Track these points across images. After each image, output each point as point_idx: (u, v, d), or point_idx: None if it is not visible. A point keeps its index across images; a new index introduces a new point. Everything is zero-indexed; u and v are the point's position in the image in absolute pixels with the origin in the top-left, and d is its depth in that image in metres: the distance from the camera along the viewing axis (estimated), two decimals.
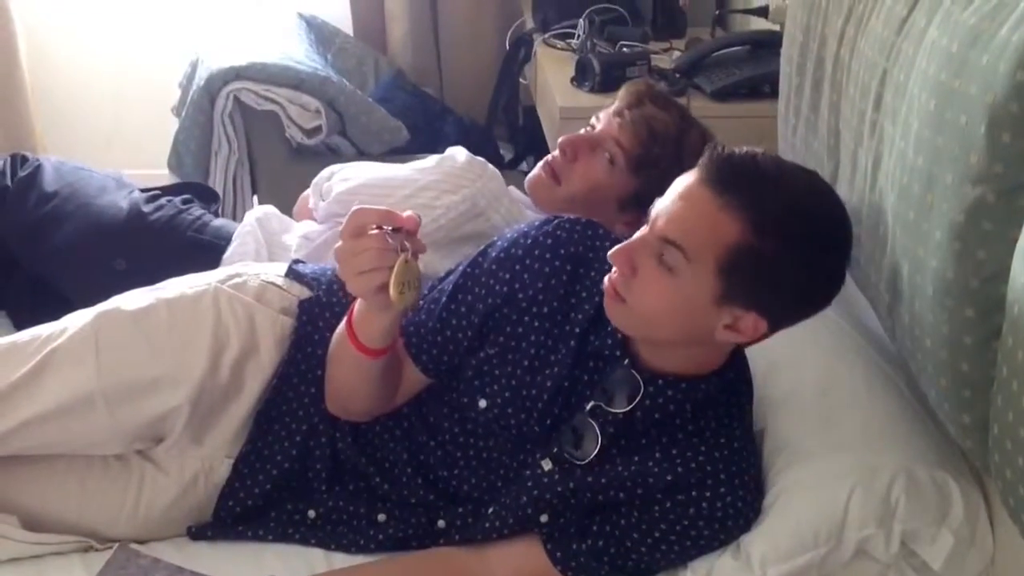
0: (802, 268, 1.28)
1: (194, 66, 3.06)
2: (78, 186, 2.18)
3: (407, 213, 1.32)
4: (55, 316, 1.60)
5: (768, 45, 2.49)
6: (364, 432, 1.56)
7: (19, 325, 1.97)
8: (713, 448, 1.41)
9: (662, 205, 1.33)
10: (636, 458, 1.41)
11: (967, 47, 1.17)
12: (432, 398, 1.55)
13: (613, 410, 1.41)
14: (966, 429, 1.23)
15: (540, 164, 1.93)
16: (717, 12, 3.04)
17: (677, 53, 2.81)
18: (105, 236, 2.10)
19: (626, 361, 1.42)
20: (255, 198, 2.95)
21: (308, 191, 2.09)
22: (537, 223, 1.52)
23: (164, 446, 1.56)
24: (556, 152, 1.91)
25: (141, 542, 1.53)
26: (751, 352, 1.47)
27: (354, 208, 1.32)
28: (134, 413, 1.52)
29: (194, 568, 1.47)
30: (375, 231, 1.31)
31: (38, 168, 2.19)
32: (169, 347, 1.54)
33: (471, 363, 1.49)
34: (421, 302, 1.53)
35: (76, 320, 1.56)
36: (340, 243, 1.33)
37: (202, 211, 2.22)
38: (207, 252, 2.05)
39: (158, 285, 1.63)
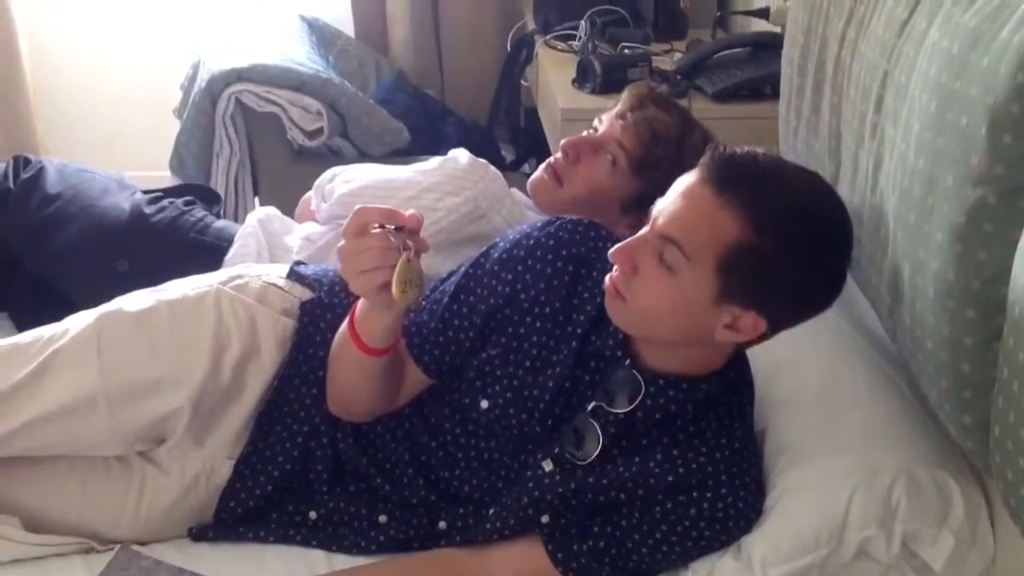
0: (802, 268, 1.28)
1: (195, 68, 3.06)
2: (81, 188, 2.18)
3: (409, 212, 1.33)
4: (57, 317, 1.60)
5: (769, 47, 2.49)
6: (365, 433, 1.57)
7: (21, 326, 1.97)
8: (714, 449, 1.41)
9: (663, 204, 1.33)
10: (637, 459, 1.42)
11: (968, 49, 1.17)
12: (434, 399, 1.55)
13: (614, 410, 1.41)
14: (967, 430, 1.23)
15: (542, 166, 1.93)
16: (718, 14, 3.04)
17: (678, 55, 2.81)
18: (107, 238, 2.11)
19: (627, 361, 1.42)
20: (256, 200, 2.95)
21: (310, 193, 2.09)
22: (539, 224, 1.53)
23: (165, 447, 1.56)
24: (558, 154, 1.91)
25: (142, 543, 1.53)
26: (752, 353, 1.47)
27: (357, 207, 1.33)
28: (136, 414, 1.52)
29: (195, 569, 1.47)
30: (378, 230, 1.31)
31: (41, 170, 2.20)
32: (171, 348, 1.54)
33: (473, 364, 1.50)
34: (423, 302, 1.53)
35: (78, 321, 1.56)
36: (343, 242, 1.33)
37: (204, 213, 2.22)
38: (209, 254, 2.05)
39: (160, 286, 1.63)
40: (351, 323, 1.44)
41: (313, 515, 1.54)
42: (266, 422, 1.58)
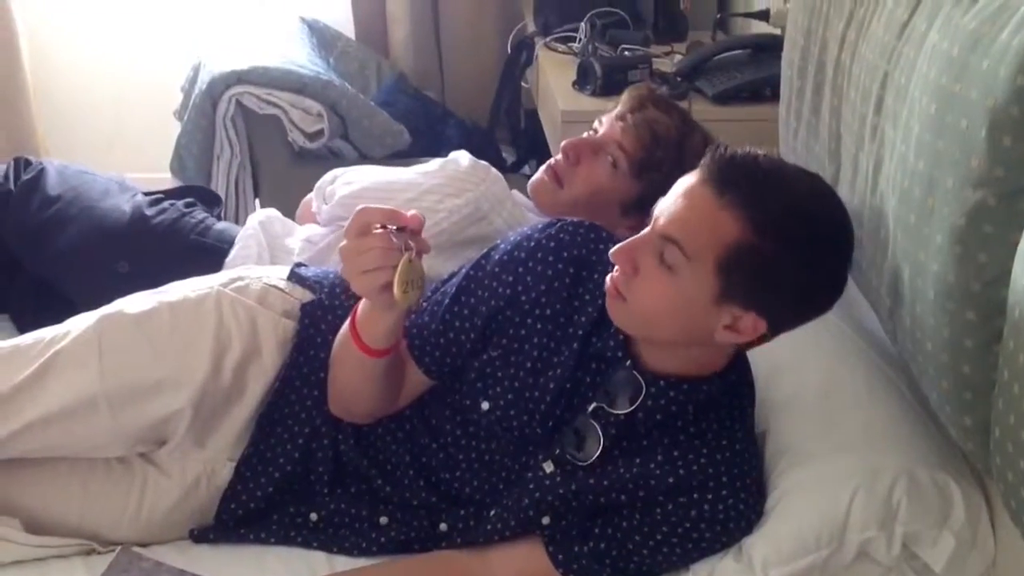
0: (802, 269, 1.28)
1: (196, 70, 3.06)
2: (81, 190, 2.18)
3: (411, 212, 1.33)
4: (58, 319, 1.61)
5: (769, 49, 2.49)
6: (366, 434, 1.57)
7: (22, 328, 1.97)
8: (715, 450, 1.41)
9: (663, 204, 1.34)
10: (638, 460, 1.42)
11: (968, 51, 1.17)
12: (434, 400, 1.55)
13: (615, 411, 1.41)
14: (967, 432, 1.23)
15: (543, 168, 1.93)
16: (718, 16, 3.04)
17: (678, 57, 2.81)
18: (108, 239, 2.11)
19: (628, 362, 1.42)
20: (257, 202, 2.95)
21: (311, 195, 2.09)
22: (540, 226, 1.53)
23: (166, 449, 1.56)
24: (559, 156, 1.91)
25: (143, 545, 1.53)
26: (753, 355, 1.47)
27: (359, 207, 1.33)
28: (137, 416, 1.52)
29: (196, 571, 1.47)
30: (379, 230, 1.31)
31: (41, 172, 2.20)
32: (171, 350, 1.54)
33: (474, 365, 1.50)
34: (424, 304, 1.53)
35: (79, 323, 1.56)
36: (345, 242, 1.33)
37: (205, 215, 2.22)
38: (210, 256, 2.05)
39: (161, 288, 1.64)
40: (352, 324, 1.44)
41: (314, 516, 1.54)
42: (267, 424, 1.58)
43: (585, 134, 1.92)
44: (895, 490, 1.37)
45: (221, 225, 2.19)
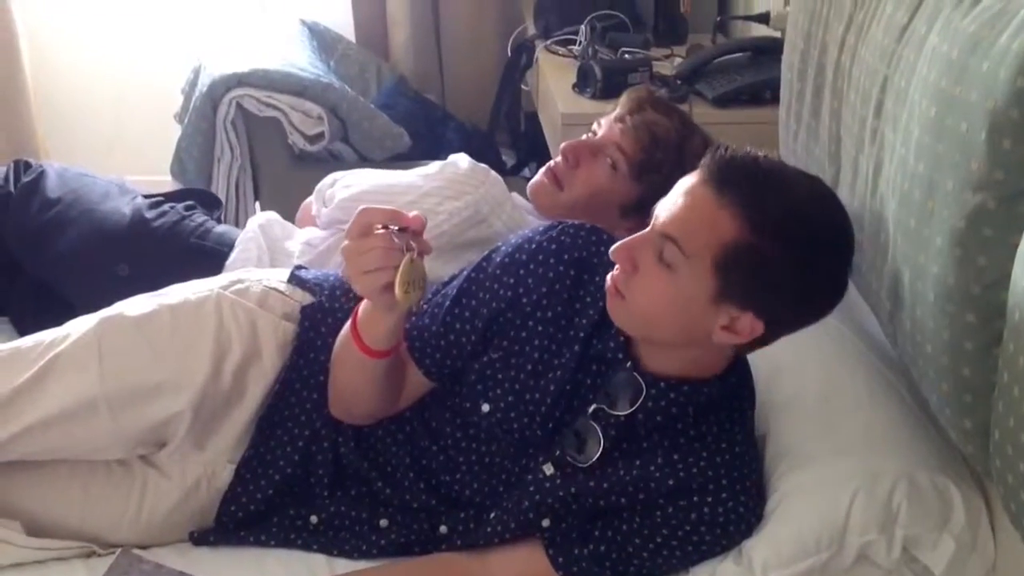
0: (800, 270, 1.28)
1: (196, 72, 3.06)
2: (81, 192, 2.18)
3: (413, 213, 1.33)
4: (58, 322, 1.61)
5: (769, 51, 2.49)
6: (366, 437, 1.57)
7: (22, 331, 1.97)
8: (715, 453, 1.41)
9: (664, 203, 1.34)
10: (638, 462, 1.42)
11: (967, 54, 1.17)
12: (435, 402, 1.56)
13: (615, 412, 1.41)
14: (967, 434, 1.23)
15: (542, 170, 1.93)
16: (718, 18, 3.04)
17: (678, 59, 2.82)
18: (108, 242, 2.11)
19: (628, 364, 1.42)
20: (257, 204, 2.95)
21: (311, 198, 2.09)
22: (541, 228, 1.53)
23: (166, 451, 1.56)
24: (558, 158, 1.91)
25: (143, 547, 1.53)
26: (753, 357, 1.47)
27: (360, 207, 1.33)
28: (137, 418, 1.52)
29: (196, 573, 1.47)
30: (381, 230, 1.31)
31: (41, 174, 2.20)
32: (172, 352, 1.54)
33: (474, 367, 1.50)
34: (425, 306, 1.53)
35: (79, 326, 1.56)
36: (346, 242, 1.33)
37: (205, 217, 2.22)
38: (210, 258, 2.05)
39: (161, 291, 1.64)
40: (353, 325, 1.44)
41: (314, 519, 1.54)
42: (267, 426, 1.58)
43: (584, 136, 1.92)
44: (895, 493, 1.37)
45: (221, 228, 2.19)
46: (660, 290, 1.32)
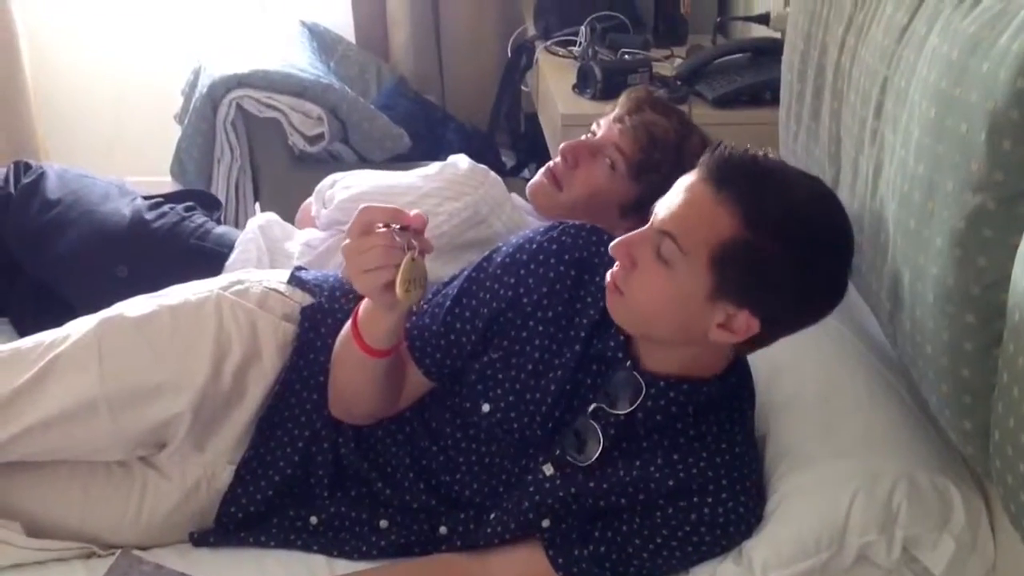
0: (796, 268, 1.28)
1: (197, 73, 3.07)
2: (81, 193, 2.19)
3: (415, 212, 1.33)
4: (59, 323, 1.61)
5: (769, 52, 2.49)
6: (366, 437, 1.57)
7: (22, 332, 1.97)
8: (715, 453, 1.41)
9: (663, 201, 1.35)
10: (638, 463, 1.42)
11: (967, 55, 1.17)
12: (435, 403, 1.56)
13: (614, 411, 1.41)
14: (967, 435, 1.23)
15: (541, 170, 1.93)
16: (718, 19, 3.04)
17: (678, 60, 2.82)
18: (108, 243, 2.11)
19: (628, 363, 1.42)
20: (257, 205, 2.95)
21: (310, 199, 2.09)
22: (542, 229, 1.53)
23: (166, 452, 1.56)
24: (557, 158, 1.92)
25: (144, 548, 1.53)
26: (753, 358, 1.47)
27: (362, 206, 1.33)
28: (137, 419, 1.52)
29: (196, 574, 1.47)
30: (382, 229, 1.32)
31: (41, 175, 2.20)
32: (172, 353, 1.54)
33: (474, 367, 1.50)
34: (425, 306, 1.54)
35: (79, 326, 1.56)
36: (347, 240, 1.33)
37: (204, 218, 2.22)
38: (209, 259, 2.05)
39: (161, 292, 1.64)
40: (354, 324, 1.44)
41: (314, 520, 1.54)
42: (267, 427, 1.58)
43: (583, 137, 1.92)
44: (895, 494, 1.37)
45: (221, 229, 2.20)
46: (657, 286, 1.32)
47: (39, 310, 2.06)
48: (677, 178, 1.37)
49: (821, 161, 1.74)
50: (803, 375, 1.60)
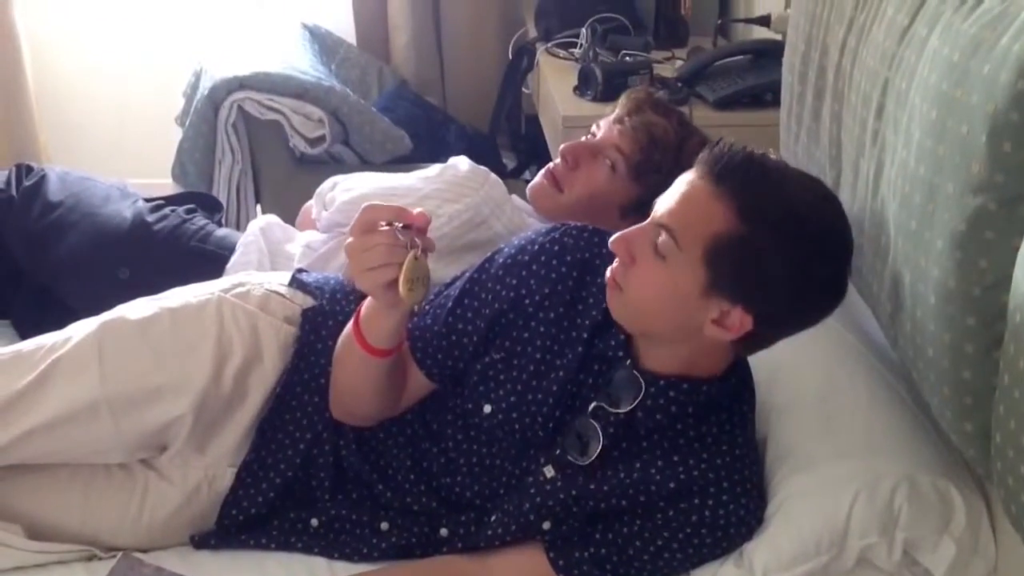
0: (790, 265, 1.28)
1: (198, 76, 3.07)
2: (82, 196, 2.19)
3: (417, 211, 1.33)
4: (60, 325, 1.61)
5: (770, 54, 2.49)
6: (367, 440, 1.57)
7: (24, 334, 1.97)
8: (715, 455, 1.41)
9: (663, 197, 1.36)
10: (638, 465, 1.42)
11: (968, 57, 1.17)
12: (436, 404, 1.56)
13: (614, 410, 1.41)
14: (968, 437, 1.23)
15: (542, 172, 1.94)
16: (719, 21, 3.04)
17: (679, 62, 2.82)
18: (109, 246, 2.11)
19: (628, 362, 1.42)
20: (258, 207, 2.96)
21: (311, 201, 2.09)
22: (544, 230, 1.53)
23: (167, 455, 1.56)
24: (557, 160, 1.92)
25: (144, 551, 1.53)
26: (753, 360, 1.47)
27: (365, 205, 1.33)
28: (138, 422, 1.52)
29: None
30: (385, 227, 1.32)
31: (43, 178, 2.20)
32: (173, 356, 1.54)
33: (476, 368, 1.50)
34: (427, 307, 1.54)
35: (80, 329, 1.56)
36: (350, 239, 1.33)
37: (206, 221, 2.22)
38: (210, 262, 2.05)
39: (162, 294, 1.64)
40: (356, 323, 1.44)
41: (315, 522, 1.54)
42: (268, 429, 1.58)
43: (583, 138, 1.93)
44: (896, 496, 1.37)
45: (222, 231, 2.20)
46: (653, 281, 1.32)
47: (40, 312, 2.06)
48: (677, 177, 1.37)
49: (822, 163, 1.74)
50: (804, 377, 1.60)
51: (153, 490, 1.56)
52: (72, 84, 3.72)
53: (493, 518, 1.47)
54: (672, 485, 1.40)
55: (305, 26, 3.39)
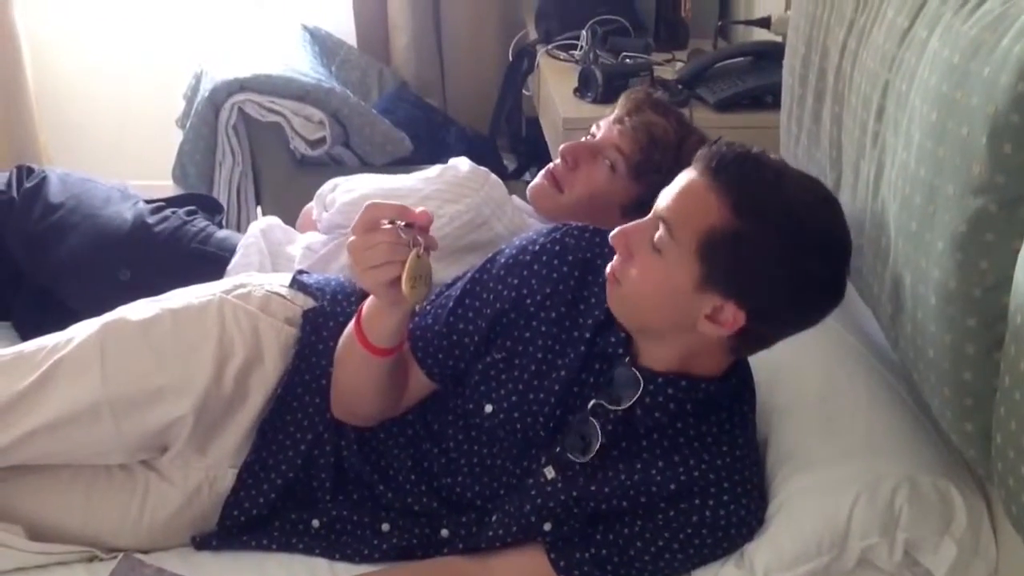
0: (783, 262, 1.29)
1: (198, 78, 3.07)
2: (83, 197, 2.19)
3: (420, 209, 1.33)
4: (60, 327, 1.61)
5: (770, 56, 2.49)
6: (368, 440, 1.57)
7: (25, 336, 1.97)
8: (716, 456, 1.41)
9: (662, 194, 1.37)
10: (639, 465, 1.42)
11: (968, 58, 1.18)
12: (437, 405, 1.56)
13: (613, 407, 1.41)
14: (969, 438, 1.23)
15: (542, 172, 1.94)
16: (719, 23, 3.04)
17: (679, 64, 2.82)
18: (110, 247, 2.11)
19: (627, 359, 1.42)
20: (259, 209, 2.95)
21: (311, 203, 2.09)
22: (545, 230, 1.54)
23: (168, 456, 1.56)
24: (557, 160, 1.92)
25: (145, 552, 1.53)
26: (753, 360, 1.48)
27: (367, 203, 1.34)
28: (139, 423, 1.52)
29: None
30: (388, 226, 1.32)
31: (44, 179, 2.20)
32: (174, 357, 1.54)
33: (477, 368, 1.50)
34: (428, 307, 1.54)
35: (82, 330, 1.56)
36: (353, 238, 1.34)
37: (206, 222, 2.22)
38: (211, 263, 2.05)
39: (163, 296, 1.64)
40: (358, 323, 1.44)
41: (316, 523, 1.54)
42: (269, 430, 1.58)
43: (583, 138, 1.93)
44: (897, 497, 1.37)
45: (222, 233, 2.20)
46: (649, 275, 1.33)
47: (41, 314, 2.06)
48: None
49: (822, 165, 1.74)
50: (804, 378, 1.60)
51: (154, 491, 1.56)
52: (72, 85, 3.73)
53: (494, 519, 1.48)
54: (673, 486, 1.40)
55: (305, 28, 3.39)
